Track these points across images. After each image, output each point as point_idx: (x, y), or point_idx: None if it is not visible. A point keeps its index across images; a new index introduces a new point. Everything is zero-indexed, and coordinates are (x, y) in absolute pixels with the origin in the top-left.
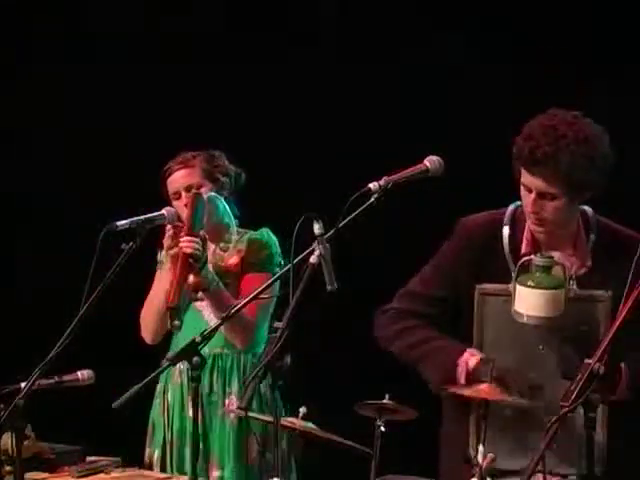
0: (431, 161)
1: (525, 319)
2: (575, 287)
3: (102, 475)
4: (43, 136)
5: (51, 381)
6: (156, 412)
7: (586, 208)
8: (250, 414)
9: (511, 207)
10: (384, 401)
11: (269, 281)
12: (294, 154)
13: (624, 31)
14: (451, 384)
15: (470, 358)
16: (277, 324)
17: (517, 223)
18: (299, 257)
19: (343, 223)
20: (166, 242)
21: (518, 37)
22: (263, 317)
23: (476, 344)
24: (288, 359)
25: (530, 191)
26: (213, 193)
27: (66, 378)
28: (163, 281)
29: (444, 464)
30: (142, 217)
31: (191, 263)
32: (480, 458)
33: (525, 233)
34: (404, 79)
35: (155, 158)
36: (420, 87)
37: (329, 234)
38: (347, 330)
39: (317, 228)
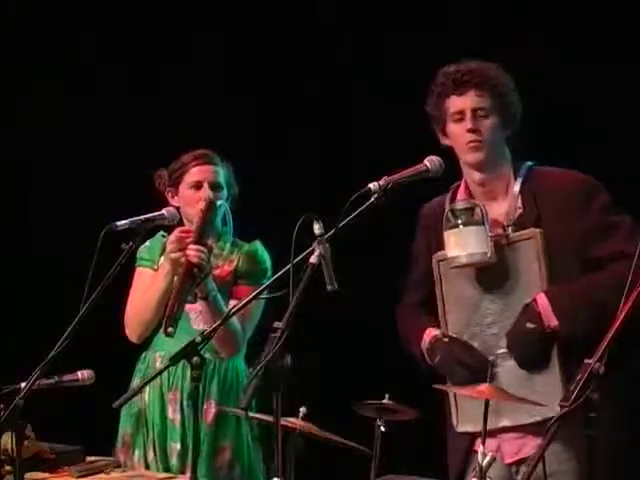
0: (431, 161)
1: (459, 260)
2: (510, 231)
3: (102, 475)
4: (44, 136)
5: (51, 381)
6: (132, 412)
7: (527, 162)
8: (250, 414)
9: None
10: (384, 401)
11: (268, 282)
12: (294, 154)
13: None
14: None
15: (425, 338)
16: (277, 324)
17: (457, 187)
18: (299, 257)
19: (343, 223)
20: (170, 245)
21: (516, 36)
22: (251, 327)
23: (440, 308)
24: (288, 359)
25: (462, 117)
26: (224, 201)
27: (66, 378)
28: (159, 282)
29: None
30: (142, 217)
31: (195, 273)
32: (480, 458)
33: (461, 187)
34: (404, 79)
35: (155, 158)
36: (420, 87)
37: (329, 234)
38: (347, 330)
39: (317, 228)
